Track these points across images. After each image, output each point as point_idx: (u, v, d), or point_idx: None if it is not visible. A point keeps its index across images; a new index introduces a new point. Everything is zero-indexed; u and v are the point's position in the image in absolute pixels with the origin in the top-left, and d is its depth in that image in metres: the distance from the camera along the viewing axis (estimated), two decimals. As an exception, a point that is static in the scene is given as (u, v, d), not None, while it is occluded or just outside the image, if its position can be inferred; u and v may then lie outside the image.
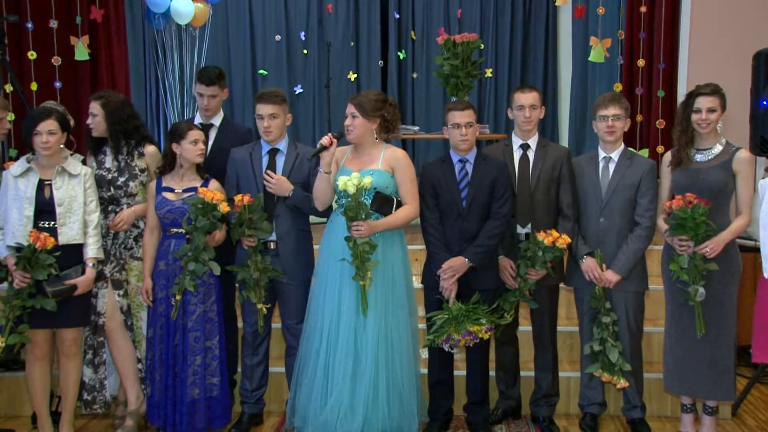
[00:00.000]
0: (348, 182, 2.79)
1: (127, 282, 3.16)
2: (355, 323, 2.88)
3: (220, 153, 3.29)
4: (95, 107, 3.15)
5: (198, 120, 3.42)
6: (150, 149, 3.19)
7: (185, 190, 3.07)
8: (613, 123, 3.07)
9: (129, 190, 3.14)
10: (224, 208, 2.91)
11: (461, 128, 3.03)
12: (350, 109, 2.99)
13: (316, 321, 2.98)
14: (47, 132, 2.93)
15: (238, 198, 2.95)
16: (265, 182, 3.06)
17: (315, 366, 2.94)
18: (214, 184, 3.10)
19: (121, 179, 3.14)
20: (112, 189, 3.12)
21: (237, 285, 3.13)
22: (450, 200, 3.06)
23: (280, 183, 3.07)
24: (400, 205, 3.00)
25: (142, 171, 3.17)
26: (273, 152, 3.17)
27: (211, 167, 3.20)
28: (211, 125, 3.42)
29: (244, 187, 3.11)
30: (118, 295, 3.12)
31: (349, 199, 2.82)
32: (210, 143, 3.38)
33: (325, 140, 2.95)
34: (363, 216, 2.84)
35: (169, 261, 3.04)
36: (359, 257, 2.82)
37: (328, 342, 2.92)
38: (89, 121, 3.17)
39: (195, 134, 3.06)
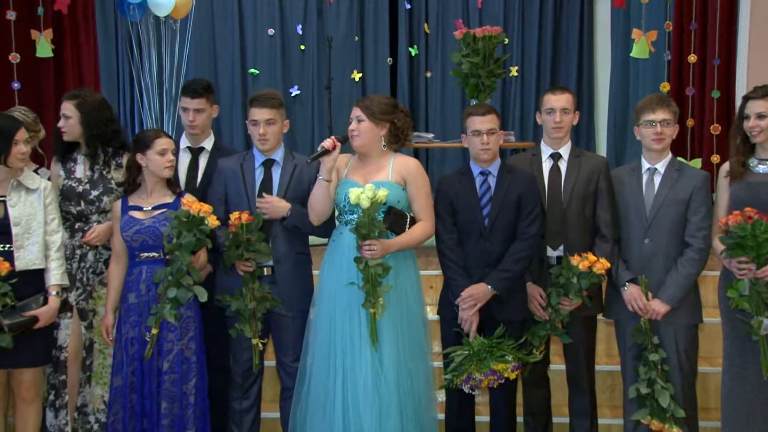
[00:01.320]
0: (361, 195, 2.84)
1: (94, 312, 3.19)
2: (371, 358, 2.91)
3: (211, 181, 3.32)
4: (69, 108, 3.21)
5: (184, 143, 3.48)
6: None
7: (156, 207, 3.11)
8: (662, 129, 3.12)
9: (102, 205, 3.20)
10: (213, 221, 2.94)
11: (482, 136, 3.09)
12: (356, 112, 3.05)
13: (323, 356, 2.99)
14: (24, 141, 2.98)
15: (234, 216, 2.98)
16: (257, 207, 3.10)
17: (332, 408, 2.92)
18: (191, 198, 3.12)
19: (94, 192, 3.19)
20: (82, 203, 3.17)
21: (227, 317, 3.15)
22: (470, 218, 3.11)
23: (273, 204, 3.12)
24: (413, 222, 3.05)
25: (119, 185, 3.23)
26: (268, 163, 3.23)
27: (203, 196, 3.25)
28: (201, 149, 3.48)
29: (235, 204, 3.16)
30: (84, 327, 3.16)
31: (361, 214, 2.87)
32: (200, 171, 3.44)
33: (327, 143, 3.00)
34: (377, 234, 2.89)
35: (141, 292, 3.06)
36: (371, 281, 2.87)
37: (344, 378, 2.92)
38: (61, 123, 3.24)
39: (163, 143, 3.08)
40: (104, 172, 3.22)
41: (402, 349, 2.95)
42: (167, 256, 3.00)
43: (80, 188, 3.18)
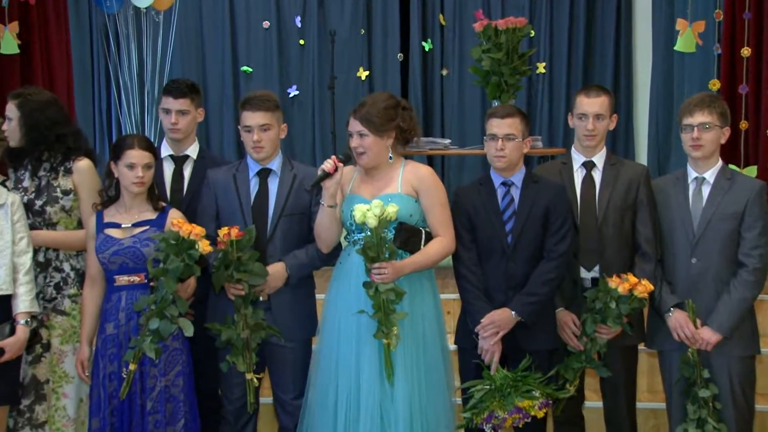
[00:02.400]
0: (367, 213, 2.85)
1: (47, 345, 3.19)
2: (380, 394, 2.92)
3: (197, 194, 3.36)
4: (11, 109, 3.24)
5: (166, 151, 3.50)
6: (81, 165, 3.26)
7: (136, 225, 3.13)
8: (700, 134, 3.13)
9: (47, 217, 3.21)
10: (205, 247, 2.94)
11: (497, 141, 3.12)
12: (354, 125, 3.04)
13: (324, 392, 3.01)
14: None
15: (223, 232, 2.99)
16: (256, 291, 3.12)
17: None
18: (176, 213, 3.17)
19: (39, 203, 3.21)
20: (30, 215, 3.19)
21: (218, 348, 3.17)
22: (490, 235, 3.13)
23: (268, 281, 3.11)
24: (429, 238, 3.07)
25: (65, 193, 3.24)
26: (264, 174, 3.26)
27: (188, 209, 3.28)
28: (186, 157, 3.51)
29: (228, 220, 3.18)
30: (26, 361, 3.14)
31: (368, 233, 2.89)
32: (185, 182, 3.47)
33: (328, 166, 3.01)
34: (387, 255, 2.91)
35: (120, 321, 3.07)
36: (382, 308, 2.89)
37: (346, 419, 2.94)
38: (4, 126, 3.27)
39: (133, 156, 3.07)
40: (51, 180, 3.22)
41: (417, 383, 2.96)
42: (151, 282, 3.02)
43: (26, 198, 3.18)
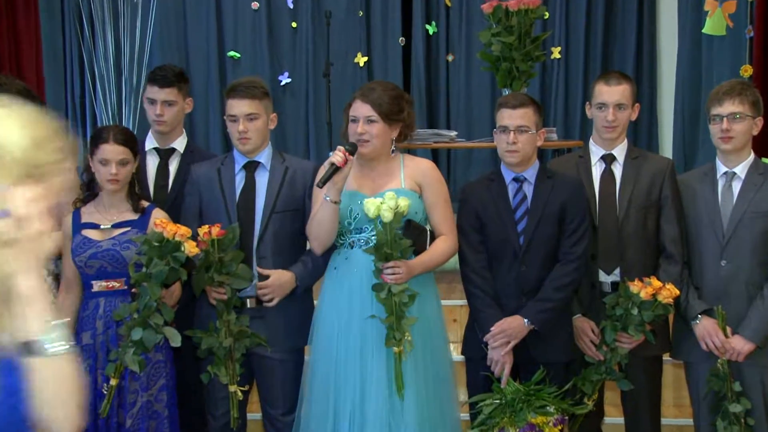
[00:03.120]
0: (382, 205, 2.86)
1: None
2: (389, 407, 2.92)
3: (183, 190, 3.36)
4: None
5: (151, 144, 3.52)
6: None
7: (116, 226, 3.14)
8: (730, 125, 3.14)
9: None
10: (192, 248, 2.94)
11: (509, 134, 3.12)
12: (363, 109, 3.05)
13: (325, 406, 3.00)
14: None
15: (203, 230, 3.00)
16: (258, 292, 3.14)
17: None
18: (159, 213, 3.18)
19: None
20: None
21: (199, 358, 3.17)
22: (501, 235, 3.14)
23: (277, 282, 3.14)
24: (432, 237, 3.09)
25: None
26: (251, 167, 3.27)
27: (173, 207, 3.30)
28: (172, 151, 3.53)
29: (210, 218, 3.19)
30: None
31: (380, 229, 2.90)
32: (171, 177, 3.49)
33: (338, 158, 2.97)
34: (400, 254, 2.93)
35: (97, 331, 3.08)
36: (395, 312, 2.89)
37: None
38: None
39: (107, 151, 3.08)
40: None
41: (426, 396, 2.98)
42: (133, 289, 3.02)
43: None
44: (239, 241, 3.10)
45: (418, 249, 3.03)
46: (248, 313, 3.16)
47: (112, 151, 3.09)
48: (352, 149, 3.02)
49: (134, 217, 3.16)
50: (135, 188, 3.20)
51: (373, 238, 2.99)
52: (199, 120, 7.09)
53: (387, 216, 2.86)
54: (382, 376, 2.94)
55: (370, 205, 2.88)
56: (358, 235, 3.05)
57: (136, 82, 6.64)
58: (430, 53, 7.19)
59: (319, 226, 3.07)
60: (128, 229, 3.13)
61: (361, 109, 3.06)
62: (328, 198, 3.01)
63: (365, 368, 2.97)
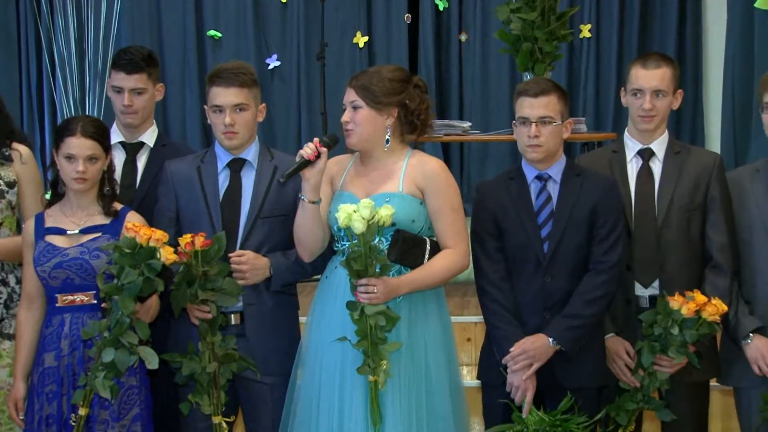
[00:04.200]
0: (353, 215, 2.85)
1: None
2: None
3: (153, 190, 3.37)
4: None
5: (116, 137, 3.51)
6: (23, 150, 3.31)
7: (85, 231, 3.15)
8: None
9: None
10: (168, 255, 2.93)
11: (530, 126, 3.12)
12: (350, 95, 3.08)
13: None
14: None
15: (185, 240, 2.98)
16: (233, 265, 3.13)
17: None
18: (134, 217, 3.18)
19: None
20: None
21: (178, 385, 3.17)
22: (522, 242, 3.15)
23: (252, 263, 3.15)
24: (436, 250, 3.08)
25: (10, 185, 3.28)
26: (236, 165, 3.28)
27: (140, 208, 3.29)
28: (141, 145, 3.54)
29: (190, 223, 3.20)
30: None
31: (355, 241, 2.89)
32: (138, 175, 3.49)
33: (307, 151, 3.01)
34: (377, 269, 2.92)
35: (62, 352, 3.07)
36: (369, 337, 2.88)
37: None
38: None
39: (72, 145, 3.08)
40: None
41: (417, 430, 2.97)
42: (103, 303, 3.01)
43: None
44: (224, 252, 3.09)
45: (411, 264, 3.03)
46: (232, 331, 3.17)
47: (79, 145, 3.09)
48: (331, 142, 3.05)
49: (106, 221, 3.16)
50: (104, 188, 3.20)
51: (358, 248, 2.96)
52: (173, 110, 7.10)
53: (358, 227, 2.83)
54: (359, 407, 2.94)
55: (341, 213, 2.85)
56: (348, 243, 3.03)
57: (102, 65, 6.65)
58: (440, 32, 7.20)
59: (299, 229, 3.10)
60: (98, 235, 3.12)
61: (347, 95, 3.09)
62: (303, 198, 3.04)
63: (343, 396, 2.98)
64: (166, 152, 3.50)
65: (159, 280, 2.93)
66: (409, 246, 3.02)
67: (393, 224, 2.95)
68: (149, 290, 2.95)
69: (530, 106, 3.12)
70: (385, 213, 2.87)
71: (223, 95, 3.18)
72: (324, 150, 3.02)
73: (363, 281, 2.89)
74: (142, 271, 2.90)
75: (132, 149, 3.51)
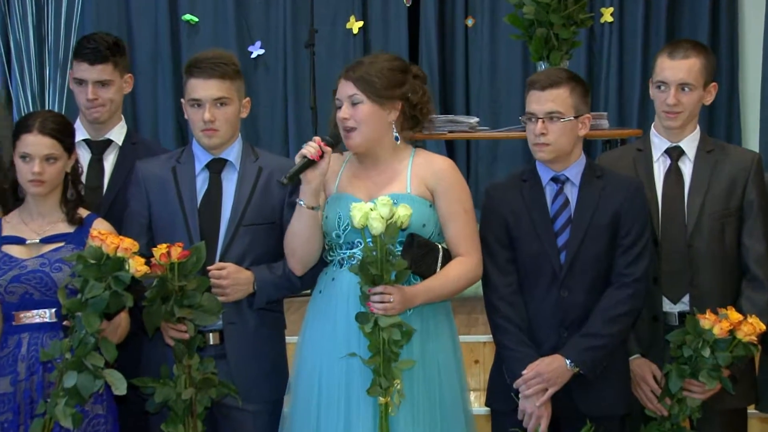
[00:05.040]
0: (371, 213, 2.85)
1: None
2: None
3: (123, 193, 3.38)
4: None
5: (80, 134, 3.52)
6: None
7: (46, 240, 3.15)
8: None
9: None
10: (139, 266, 2.92)
11: (537, 122, 3.13)
12: (346, 89, 3.08)
13: None
14: None
15: (160, 250, 2.98)
16: (212, 280, 3.13)
17: None
18: (102, 225, 3.17)
19: None
20: None
21: (149, 413, 3.16)
22: (537, 252, 3.15)
23: (234, 277, 3.15)
24: (447, 257, 3.09)
25: None
26: (216, 166, 3.29)
27: (108, 215, 3.30)
28: (108, 143, 3.55)
29: (164, 231, 3.20)
30: None
31: (369, 243, 2.89)
32: (106, 177, 3.50)
33: (311, 151, 3.02)
34: (393, 276, 2.93)
35: (19, 376, 3.06)
36: (382, 352, 2.89)
37: None
38: None
39: (30, 143, 3.08)
40: None
41: None
42: (65, 321, 3.00)
43: None
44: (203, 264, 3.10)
45: (424, 272, 3.04)
46: (211, 352, 3.17)
47: (35, 143, 3.09)
48: (333, 140, 3.06)
49: (69, 229, 3.16)
50: (67, 191, 3.20)
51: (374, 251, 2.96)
52: (143, 104, 7.09)
53: (376, 227, 2.84)
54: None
55: (357, 212, 2.87)
56: (348, 251, 3.06)
57: (64, 54, 6.66)
58: (444, 16, 7.20)
59: (295, 238, 3.10)
60: (61, 244, 3.13)
61: (343, 88, 3.09)
62: (302, 202, 3.04)
63: (349, 422, 2.98)
64: (137, 151, 3.50)
65: (128, 294, 2.92)
66: (423, 252, 3.03)
67: (404, 229, 2.96)
68: (117, 306, 2.94)
69: (537, 101, 3.13)
70: (404, 213, 2.89)
71: (203, 88, 3.18)
72: (328, 150, 3.04)
73: (378, 289, 2.90)
74: (108, 284, 2.89)
75: (98, 148, 3.52)
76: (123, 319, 3.10)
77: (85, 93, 3.46)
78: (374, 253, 2.89)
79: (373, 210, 2.85)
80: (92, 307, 2.90)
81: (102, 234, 2.92)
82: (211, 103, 3.18)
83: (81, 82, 3.48)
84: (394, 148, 3.13)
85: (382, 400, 2.90)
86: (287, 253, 3.16)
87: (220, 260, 3.20)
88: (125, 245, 2.90)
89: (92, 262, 2.90)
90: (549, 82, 3.14)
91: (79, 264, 2.90)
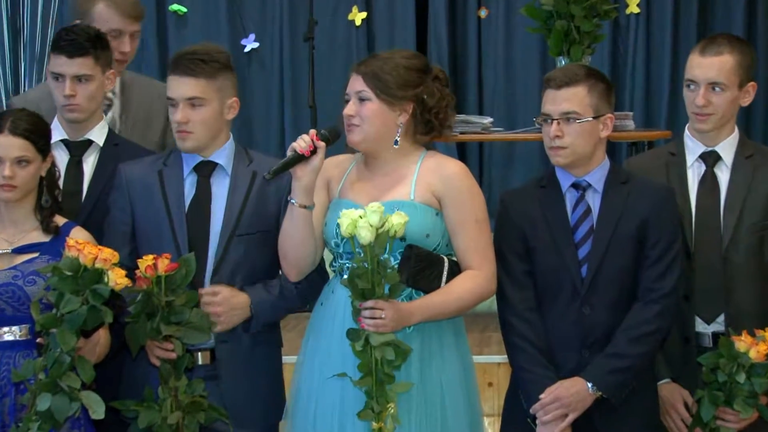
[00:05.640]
0: (359, 221, 2.85)
1: None
2: None
3: (104, 199, 3.38)
4: None
5: (58, 134, 3.53)
6: None
7: (19, 250, 3.15)
8: None
9: None
10: (119, 278, 2.92)
11: (552, 124, 3.12)
12: (356, 84, 3.11)
13: None
14: None
15: (145, 262, 2.98)
16: (204, 306, 3.12)
17: None
18: (80, 234, 3.17)
19: None
20: None
21: None
22: (556, 265, 3.15)
23: (229, 303, 3.15)
24: (455, 271, 3.09)
25: None
26: (205, 169, 3.29)
27: (88, 222, 3.30)
28: (88, 144, 3.54)
29: (148, 239, 3.21)
30: None
31: (360, 254, 2.89)
32: (86, 181, 3.50)
33: (300, 144, 3.04)
34: (386, 290, 2.92)
35: None
36: (373, 373, 2.89)
37: None
38: None
39: (2, 144, 3.09)
40: None
41: None
42: (39, 338, 3.00)
43: None
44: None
45: (425, 287, 3.04)
46: (200, 373, 3.16)
47: (6, 145, 3.08)
48: (329, 135, 3.07)
49: (44, 238, 3.16)
50: (41, 197, 3.19)
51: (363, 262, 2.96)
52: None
53: (364, 236, 2.84)
54: None
55: (345, 219, 2.87)
56: (348, 261, 3.05)
57: (40, 49, 6.67)
58: (455, 7, 7.22)
59: (287, 240, 3.11)
60: (35, 255, 3.13)
61: (353, 83, 3.11)
62: (293, 201, 3.05)
63: None
64: (120, 153, 3.49)
65: (107, 309, 2.91)
66: (423, 265, 3.02)
67: (403, 239, 2.96)
68: (95, 322, 2.92)
69: (552, 100, 3.13)
70: (397, 221, 2.88)
71: (175, 86, 3.19)
72: (321, 145, 3.04)
73: (369, 304, 2.89)
74: (86, 298, 2.89)
75: (77, 149, 3.51)
76: (102, 336, 3.09)
77: (63, 89, 3.45)
78: (365, 264, 2.88)
79: (361, 218, 2.85)
80: (68, 324, 2.88)
81: (79, 243, 2.91)
82: (184, 103, 3.18)
83: (58, 77, 3.46)
84: (401, 150, 3.13)
85: (375, 425, 2.90)
86: (280, 255, 3.16)
87: (213, 274, 3.21)
88: (104, 256, 2.89)
89: (68, 273, 2.89)
90: (565, 80, 3.14)
91: (54, 276, 2.90)
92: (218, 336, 3.18)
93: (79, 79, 3.45)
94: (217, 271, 3.21)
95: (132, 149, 3.60)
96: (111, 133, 3.60)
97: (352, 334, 2.91)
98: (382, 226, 2.86)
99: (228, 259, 3.22)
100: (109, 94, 3.79)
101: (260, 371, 3.26)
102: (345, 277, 2.97)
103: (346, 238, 2.93)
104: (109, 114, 3.82)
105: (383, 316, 2.89)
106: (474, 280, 3.08)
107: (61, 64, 3.45)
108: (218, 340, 3.19)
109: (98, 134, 3.55)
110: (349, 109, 3.09)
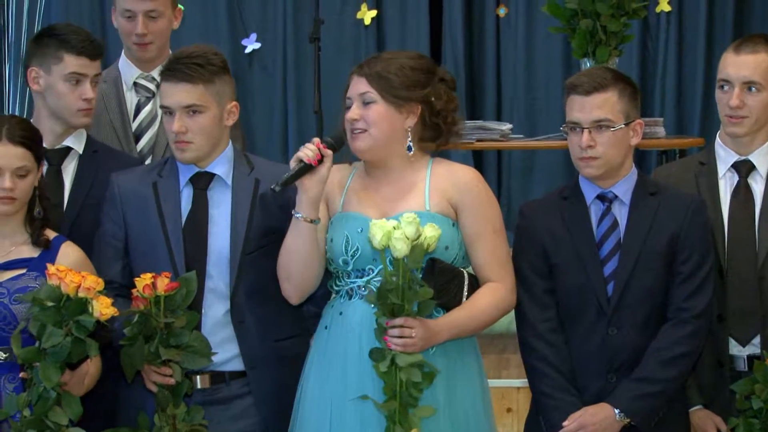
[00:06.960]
0: (393, 233, 2.85)
1: None
2: None
3: (87, 209, 3.42)
4: None
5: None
6: None
7: (7, 266, 3.15)
8: None
9: None
10: (104, 308, 2.89)
11: (582, 133, 3.14)
12: (359, 86, 3.12)
13: None
14: None
15: (143, 282, 2.98)
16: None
17: None
18: (70, 249, 3.19)
19: None
20: None
21: None
22: (580, 283, 3.17)
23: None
24: (474, 285, 3.10)
25: None
26: (201, 181, 3.29)
27: (72, 234, 3.32)
28: (67, 151, 3.57)
29: (142, 256, 3.22)
30: None
31: (391, 269, 2.89)
32: (66, 191, 3.53)
33: (307, 153, 3.04)
34: (415, 308, 2.93)
35: None
36: (398, 396, 2.90)
37: None
38: None
39: (1, 153, 3.09)
40: None
41: None
42: (22, 372, 3.00)
43: None
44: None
45: (449, 302, 3.05)
46: (198, 398, 3.18)
47: (5, 155, 3.09)
48: (334, 143, 3.08)
49: (33, 253, 3.17)
50: (33, 210, 3.20)
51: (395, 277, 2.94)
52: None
53: (400, 248, 2.84)
54: None
55: (378, 230, 2.86)
56: (359, 279, 3.07)
57: (25, 47, 6.69)
58: (472, 5, 7.21)
59: (292, 258, 3.11)
60: (22, 271, 3.13)
61: (355, 86, 3.12)
62: (298, 215, 3.05)
63: None
64: (98, 160, 3.53)
65: (92, 342, 2.91)
66: (446, 279, 3.04)
67: (429, 252, 2.96)
68: (79, 355, 2.92)
69: (581, 108, 3.14)
70: (431, 234, 2.89)
71: (171, 93, 3.20)
72: (329, 153, 3.05)
73: (398, 321, 2.90)
74: (70, 330, 2.88)
75: (56, 157, 3.52)
76: (91, 365, 3.08)
77: (82, 89, 3.48)
78: (394, 279, 2.88)
79: (396, 228, 2.85)
80: (52, 357, 2.88)
81: (60, 271, 2.89)
82: (182, 112, 3.18)
83: (81, 76, 3.48)
84: (408, 157, 3.14)
85: None
86: (281, 276, 3.16)
87: (232, 297, 3.22)
88: (87, 284, 2.88)
89: (50, 304, 2.89)
90: (594, 85, 3.14)
91: (35, 306, 2.89)
92: (248, 362, 3.22)
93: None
94: (235, 293, 3.22)
95: (112, 155, 3.63)
96: (90, 140, 3.61)
97: (376, 354, 2.91)
98: (418, 238, 2.87)
99: (245, 282, 3.23)
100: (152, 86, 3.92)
101: (264, 392, 3.26)
102: (367, 293, 2.99)
103: (361, 254, 2.96)
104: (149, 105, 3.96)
105: (413, 335, 2.90)
106: (496, 293, 3.10)
107: (83, 65, 3.48)
108: (249, 366, 3.22)
109: (77, 141, 3.57)
110: (353, 113, 3.09)
